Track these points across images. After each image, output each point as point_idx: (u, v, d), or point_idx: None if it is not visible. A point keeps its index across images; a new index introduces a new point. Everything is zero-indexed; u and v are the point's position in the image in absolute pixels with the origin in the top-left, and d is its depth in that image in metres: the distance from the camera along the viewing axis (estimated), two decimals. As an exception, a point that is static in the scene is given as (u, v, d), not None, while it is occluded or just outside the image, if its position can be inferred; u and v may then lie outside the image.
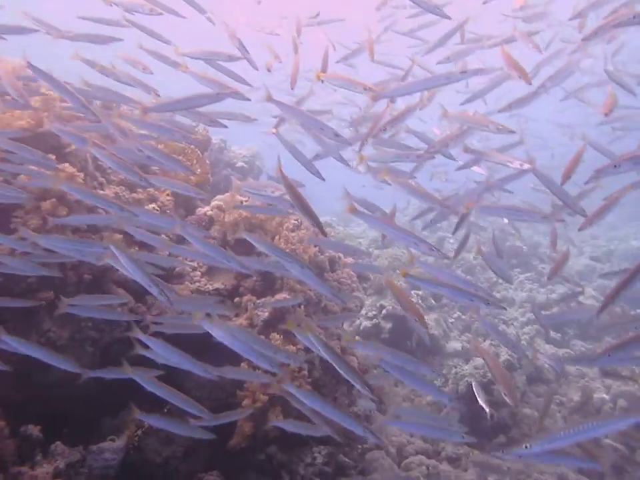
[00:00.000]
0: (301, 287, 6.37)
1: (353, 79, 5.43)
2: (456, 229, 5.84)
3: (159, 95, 6.14)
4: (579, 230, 5.47)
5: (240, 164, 11.95)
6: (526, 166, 5.37)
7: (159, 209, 6.38)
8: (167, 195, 6.96)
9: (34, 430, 5.15)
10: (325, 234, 4.93)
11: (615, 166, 4.33)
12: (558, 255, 5.90)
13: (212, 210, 6.83)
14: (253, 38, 7.79)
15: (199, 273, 6.30)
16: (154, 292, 4.54)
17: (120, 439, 5.55)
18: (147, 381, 4.93)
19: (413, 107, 5.62)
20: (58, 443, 5.17)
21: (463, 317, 12.05)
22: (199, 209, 7.08)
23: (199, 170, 7.58)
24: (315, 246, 6.79)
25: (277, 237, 6.58)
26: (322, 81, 5.53)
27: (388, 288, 5.81)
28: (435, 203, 5.68)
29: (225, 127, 6.01)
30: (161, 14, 6.43)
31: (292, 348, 5.85)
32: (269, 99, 5.21)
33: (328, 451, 6.50)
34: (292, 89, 6.26)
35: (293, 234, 6.62)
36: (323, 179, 5.70)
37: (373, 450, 7.09)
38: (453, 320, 11.99)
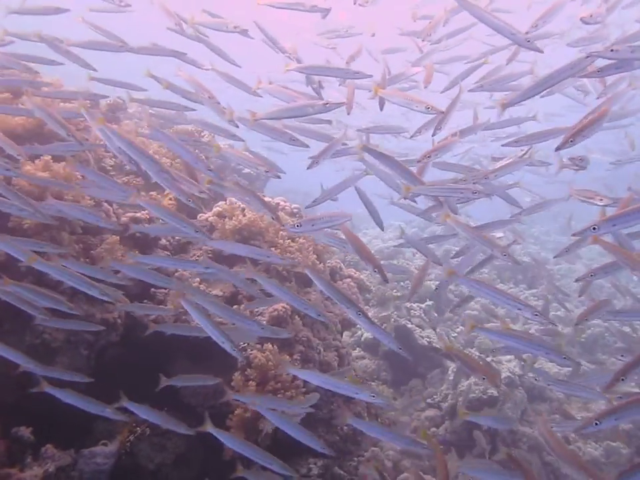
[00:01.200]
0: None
1: (414, 97, 5.27)
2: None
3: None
4: None
5: (246, 170, 11.93)
6: None
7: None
8: (170, 198, 6.95)
9: (25, 432, 5.11)
10: (385, 279, 5.02)
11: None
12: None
13: (213, 216, 6.81)
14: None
15: (198, 279, 6.26)
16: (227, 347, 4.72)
17: (112, 443, 5.50)
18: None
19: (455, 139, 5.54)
20: (49, 445, 5.13)
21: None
22: (201, 214, 7.05)
23: (203, 175, 7.54)
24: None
25: (275, 247, 6.54)
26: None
27: (454, 355, 5.64)
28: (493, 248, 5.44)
29: (307, 146, 5.80)
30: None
31: (286, 357, 5.80)
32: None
33: (323, 462, 6.43)
34: (348, 114, 6.07)
35: (293, 243, 6.59)
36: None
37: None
38: (455, 334, 11.89)
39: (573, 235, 4.43)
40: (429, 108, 5.16)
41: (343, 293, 4.75)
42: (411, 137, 6.11)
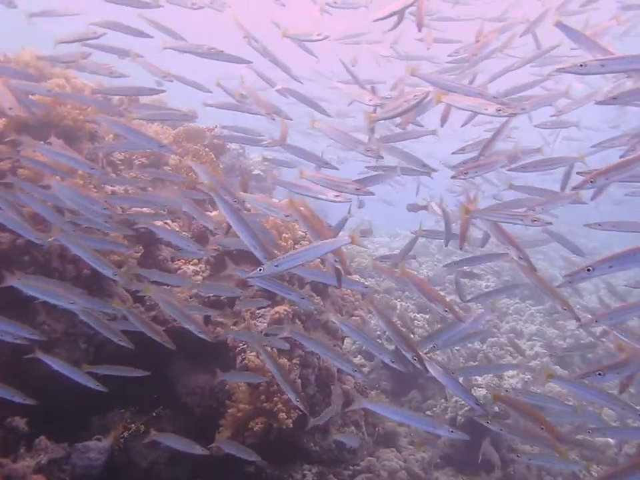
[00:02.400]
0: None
1: (482, 100, 5.06)
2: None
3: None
4: None
5: (256, 171, 11.94)
6: None
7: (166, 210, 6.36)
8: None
9: (20, 422, 5.10)
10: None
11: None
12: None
13: (219, 214, 6.78)
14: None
15: (200, 278, 6.25)
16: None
17: (106, 439, 5.48)
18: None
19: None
20: (42, 437, 5.12)
21: (469, 344, 11.84)
22: (207, 212, 7.03)
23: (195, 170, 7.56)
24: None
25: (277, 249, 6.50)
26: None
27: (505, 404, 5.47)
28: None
29: (336, 169, 5.77)
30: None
31: (285, 362, 5.75)
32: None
33: (318, 469, 6.38)
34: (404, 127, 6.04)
35: (297, 246, 6.56)
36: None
37: (363, 473, 6.94)
38: (458, 347, 11.78)
39: (566, 276, 4.33)
40: (499, 110, 4.95)
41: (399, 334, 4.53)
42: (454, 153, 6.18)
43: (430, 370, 4.68)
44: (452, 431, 4.39)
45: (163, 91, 6.23)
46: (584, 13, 6.92)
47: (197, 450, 5.12)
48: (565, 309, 4.88)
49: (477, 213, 4.94)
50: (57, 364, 4.85)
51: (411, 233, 7.26)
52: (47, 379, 5.37)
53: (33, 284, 4.67)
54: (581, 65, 4.12)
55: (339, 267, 4.40)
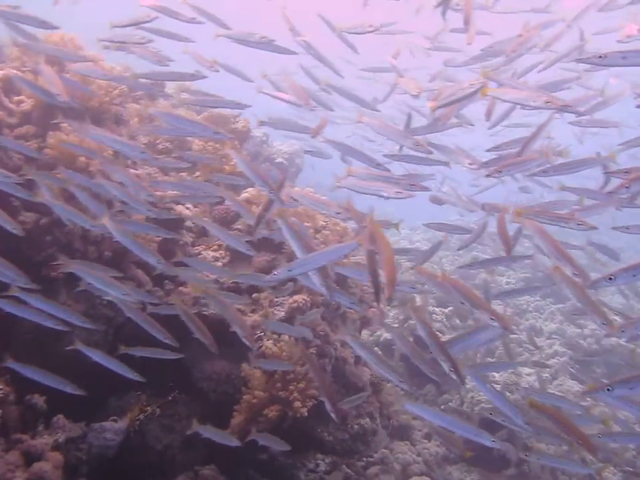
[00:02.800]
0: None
1: (529, 92, 4.89)
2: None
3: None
4: None
5: (279, 160, 11.89)
6: None
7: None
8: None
9: (39, 399, 5.16)
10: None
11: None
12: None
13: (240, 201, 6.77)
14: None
15: (220, 264, 6.25)
16: None
17: (122, 420, 5.52)
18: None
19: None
20: (60, 416, 5.17)
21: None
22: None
23: (234, 161, 7.54)
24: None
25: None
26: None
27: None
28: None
29: (388, 170, 5.64)
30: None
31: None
32: None
33: (332, 459, 6.37)
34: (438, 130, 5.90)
35: (318, 234, 6.53)
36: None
37: (376, 465, 6.93)
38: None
39: (589, 285, 4.21)
40: (548, 102, 4.73)
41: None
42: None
43: (475, 382, 4.61)
44: (494, 441, 4.33)
45: (205, 77, 6.19)
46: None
47: (234, 442, 5.21)
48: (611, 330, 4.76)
49: (527, 215, 4.83)
50: (97, 355, 4.94)
51: (423, 225, 7.19)
52: (68, 358, 5.43)
53: (91, 272, 4.76)
54: (601, 57, 4.02)
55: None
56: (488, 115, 5.88)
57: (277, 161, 11.75)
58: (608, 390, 3.75)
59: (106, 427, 5.38)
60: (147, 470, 5.67)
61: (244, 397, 5.72)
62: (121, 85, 6.51)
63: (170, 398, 5.73)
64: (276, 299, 6.15)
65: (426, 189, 5.11)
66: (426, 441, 8.53)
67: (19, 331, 5.35)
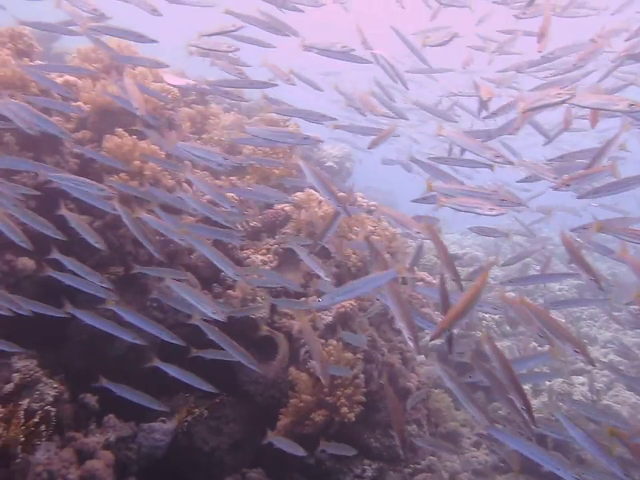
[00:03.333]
0: (368, 295, 6.21)
1: (609, 98, 4.70)
2: None
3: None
4: None
5: (329, 163, 11.88)
6: None
7: (237, 199, 6.41)
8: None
9: (91, 399, 5.27)
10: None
11: None
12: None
13: (289, 206, 6.79)
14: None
15: (268, 268, 6.26)
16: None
17: (170, 421, 5.59)
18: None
19: None
20: (111, 415, 5.27)
21: (539, 348, 11.44)
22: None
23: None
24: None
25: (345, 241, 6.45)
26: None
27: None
28: None
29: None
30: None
31: (350, 356, 5.71)
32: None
33: (378, 465, 6.30)
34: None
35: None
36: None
37: (424, 472, 6.82)
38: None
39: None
40: (632, 105, 4.47)
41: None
42: None
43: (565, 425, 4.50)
44: (577, 478, 4.15)
45: (276, 85, 6.29)
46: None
47: (301, 452, 5.23)
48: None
49: (608, 230, 4.65)
50: (174, 371, 5.07)
51: (469, 229, 7.04)
52: (121, 360, 5.56)
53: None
54: None
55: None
56: (566, 125, 5.74)
57: (327, 164, 11.74)
58: None
59: (155, 428, 5.45)
60: (195, 471, 5.73)
61: (291, 400, 5.72)
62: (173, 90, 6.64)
63: (217, 400, 5.76)
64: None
65: (519, 203, 5.01)
66: (475, 449, 8.37)
67: (74, 329, 5.48)
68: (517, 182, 5.96)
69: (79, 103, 5.79)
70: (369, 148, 6.07)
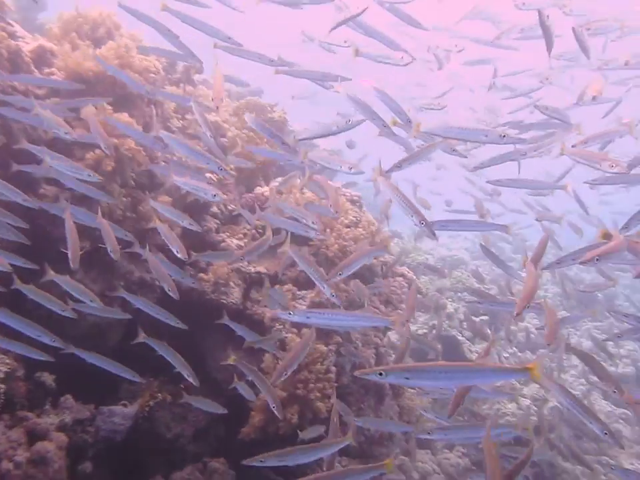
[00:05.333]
0: (345, 287, 6.01)
1: None
2: None
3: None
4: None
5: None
6: None
7: (216, 178, 6.23)
8: (230, 168, 6.78)
9: (48, 377, 5.04)
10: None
11: None
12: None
13: (269, 190, 6.59)
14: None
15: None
16: None
17: (132, 405, 5.39)
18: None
19: None
20: (68, 396, 5.05)
21: (519, 353, 11.33)
22: (258, 187, 6.86)
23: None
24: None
25: (329, 230, 6.24)
26: None
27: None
28: None
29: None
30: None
31: (323, 349, 5.52)
32: None
33: (347, 462, 6.14)
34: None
35: (348, 229, 6.28)
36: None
37: (392, 473, 6.65)
38: (507, 355, 11.29)
39: None
40: None
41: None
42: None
43: None
44: None
45: (349, 79, 5.79)
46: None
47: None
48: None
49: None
50: (161, 349, 5.01)
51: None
52: (83, 338, 5.32)
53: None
54: None
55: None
56: None
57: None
58: None
59: (115, 411, 5.24)
60: (155, 457, 5.52)
61: (261, 395, 5.49)
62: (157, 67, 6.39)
63: (182, 386, 5.55)
64: (298, 292, 5.93)
65: None
66: (447, 450, 8.23)
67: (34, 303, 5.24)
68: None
69: (52, 70, 5.53)
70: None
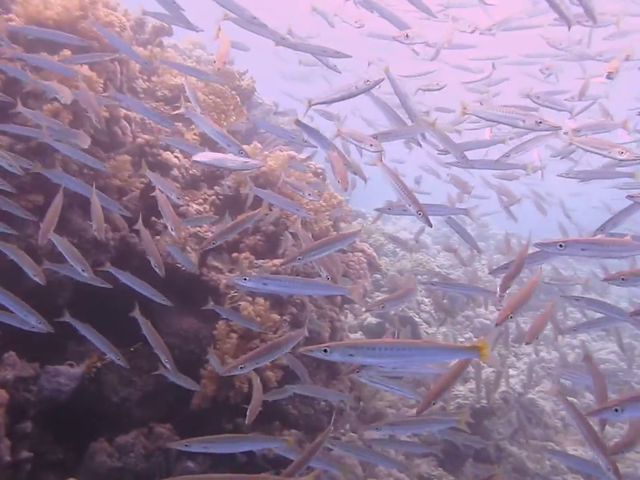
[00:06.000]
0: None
1: None
2: None
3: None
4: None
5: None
6: None
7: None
8: (194, 133, 6.68)
9: (-10, 334, 4.88)
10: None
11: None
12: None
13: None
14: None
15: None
16: None
17: (79, 366, 5.28)
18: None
19: None
20: (12, 353, 4.91)
21: (475, 338, 11.48)
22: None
23: (234, 117, 7.26)
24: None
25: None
26: None
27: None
28: None
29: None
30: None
31: (276, 317, 5.48)
32: None
33: (299, 437, 6.12)
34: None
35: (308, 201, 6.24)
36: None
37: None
38: (463, 339, 11.44)
39: None
40: None
41: None
42: None
43: None
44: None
45: (350, 56, 5.68)
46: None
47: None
48: None
49: None
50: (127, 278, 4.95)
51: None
52: (32, 294, 5.15)
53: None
54: None
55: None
56: None
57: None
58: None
59: (61, 371, 5.13)
60: (100, 420, 5.43)
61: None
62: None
63: (132, 349, 5.46)
64: (256, 261, 5.87)
65: None
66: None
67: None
68: None
69: (10, 16, 5.31)
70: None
